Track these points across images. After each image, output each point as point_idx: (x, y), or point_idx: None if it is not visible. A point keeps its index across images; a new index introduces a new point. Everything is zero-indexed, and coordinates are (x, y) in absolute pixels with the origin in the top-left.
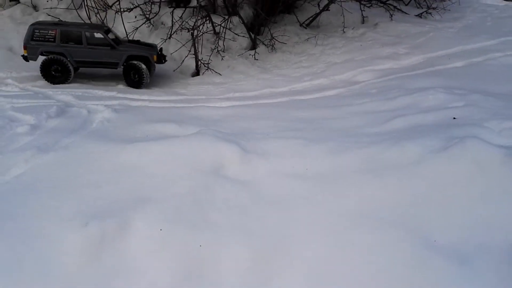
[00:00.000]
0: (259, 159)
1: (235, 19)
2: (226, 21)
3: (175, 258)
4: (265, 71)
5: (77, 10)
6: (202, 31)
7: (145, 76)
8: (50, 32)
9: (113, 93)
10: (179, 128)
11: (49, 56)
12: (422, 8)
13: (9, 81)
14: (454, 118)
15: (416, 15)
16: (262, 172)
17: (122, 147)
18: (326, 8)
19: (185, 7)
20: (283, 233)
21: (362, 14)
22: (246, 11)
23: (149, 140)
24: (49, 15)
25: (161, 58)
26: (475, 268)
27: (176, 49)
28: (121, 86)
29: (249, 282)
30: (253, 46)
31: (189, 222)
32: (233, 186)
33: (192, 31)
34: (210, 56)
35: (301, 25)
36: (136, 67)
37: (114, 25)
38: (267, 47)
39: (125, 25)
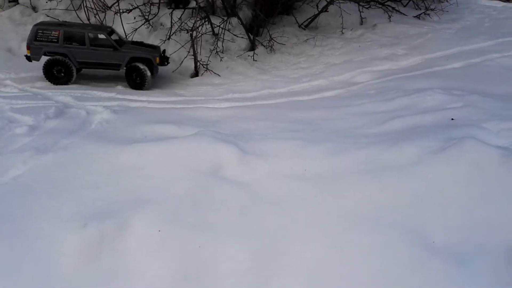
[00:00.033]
0: (258, 160)
1: (234, 20)
2: (225, 22)
3: (174, 259)
4: (264, 72)
5: (76, 11)
6: (201, 32)
7: (147, 78)
8: (53, 32)
9: (112, 94)
10: (178, 129)
11: (52, 57)
12: (420, 9)
13: (8, 82)
14: (452, 119)
15: (414, 16)
16: (260, 173)
17: (121, 148)
18: (324, 9)
19: (184, 8)
20: (282, 234)
21: (360, 15)
22: (245, 12)
23: (148, 141)
24: (48, 16)
25: (164, 60)
26: (474, 269)
27: (175, 50)
28: (120, 87)
29: (248, 283)
30: (252, 47)
31: (188, 223)
32: (232, 187)
33: (191, 32)
34: (209, 57)
35: (299, 26)
36: (138, 70)
37: (113, 26)
38: (266, 48)
39: (124, 26)
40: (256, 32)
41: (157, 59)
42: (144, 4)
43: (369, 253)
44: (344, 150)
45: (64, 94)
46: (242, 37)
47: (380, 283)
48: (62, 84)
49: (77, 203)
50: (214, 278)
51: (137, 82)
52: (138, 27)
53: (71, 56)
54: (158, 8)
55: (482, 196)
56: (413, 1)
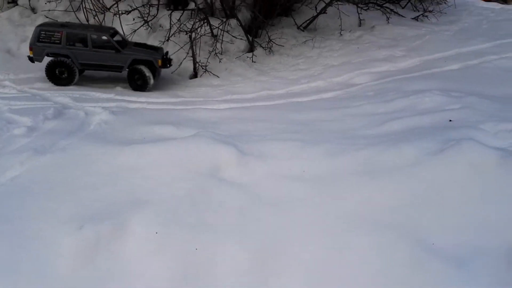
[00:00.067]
0: (256, 161)
1: (233, 21)
2: (224, 24)
3: (172, 260)
4: (263, 73)
5: (75, 13)
6: (200, 33)
7: (148, 81)
8: (56, 34)
9: (111, 95)
10: (177, 130)
11: (55, 58)
12: (418, 11)
13: (7, 83)
14: (450, 120)
15: (412, 18)
16: (259, 174)
17: (119, 149)
18: (323, 11)
19: (183, 9)
20: (281, 235)
21: (359, 17)
22: (244, 14)
23: (146, 142)
24: (47, 17)
25: (166, 63)
26: (473, 270)
27: (174, 52)
28: (119, 88)
29: (247, 284)
30: (251, 49)
31: (187, 224)
32: (231, 188)
33: (190, 33)
34: (208, 58)
35: (298, 27)
36: (140, 72)
37: None
38: (265, 49)
39: (123, 28)
40: (255, 33)
41: (159, 62)
42: (143, 5)
43: (368, 254)
44: (342, 151)
45: (63, 95)
46: (241, 39)
47: (379, 284)
48: (64, 85)
49: (75, 204)
50: (213, 279)
51: (138, 84)
52: (137, 29)
53: (74, 58)
54: (157, 9)
55: (481, 197)
56: (411, 3)
